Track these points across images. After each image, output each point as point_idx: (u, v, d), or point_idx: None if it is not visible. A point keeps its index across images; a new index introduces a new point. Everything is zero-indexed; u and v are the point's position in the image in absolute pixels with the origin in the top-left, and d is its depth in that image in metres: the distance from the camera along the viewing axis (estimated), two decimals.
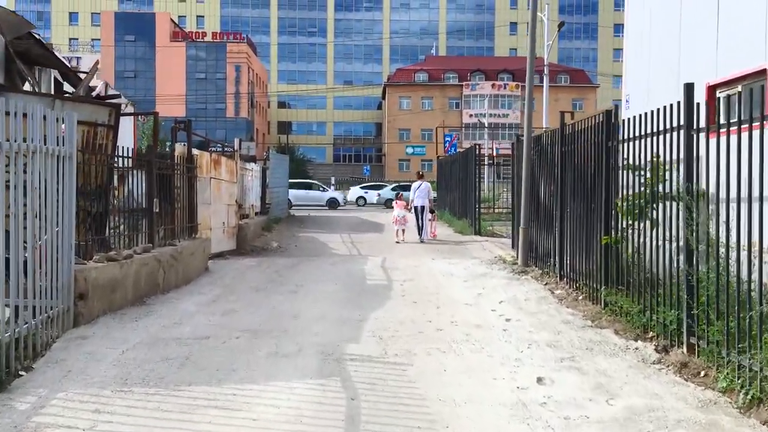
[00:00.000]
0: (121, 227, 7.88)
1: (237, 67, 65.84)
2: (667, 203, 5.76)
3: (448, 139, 30.82)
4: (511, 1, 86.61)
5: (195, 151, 10.26)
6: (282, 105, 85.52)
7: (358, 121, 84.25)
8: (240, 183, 14.01)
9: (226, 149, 13.80)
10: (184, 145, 10.00)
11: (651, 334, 5.92)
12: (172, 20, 68.71)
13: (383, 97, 79.08)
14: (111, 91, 10.70)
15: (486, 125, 63.30)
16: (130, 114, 10.49)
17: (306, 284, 9.08)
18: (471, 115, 69.63)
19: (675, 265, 5.57)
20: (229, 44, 66.02)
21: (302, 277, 9.80)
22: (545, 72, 31.93)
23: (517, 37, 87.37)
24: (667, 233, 5.73)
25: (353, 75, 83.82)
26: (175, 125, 9.91)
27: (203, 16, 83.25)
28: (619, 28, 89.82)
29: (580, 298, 7.76)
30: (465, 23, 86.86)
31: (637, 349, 5.59)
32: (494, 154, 32.24)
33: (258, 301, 7.79)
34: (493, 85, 73.51)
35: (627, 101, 9.49)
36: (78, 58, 76.33)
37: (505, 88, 74.38)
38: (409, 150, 71.65)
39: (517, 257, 11.22)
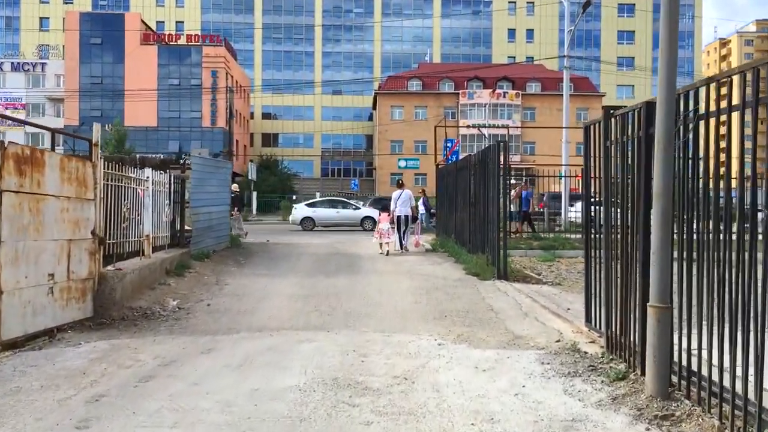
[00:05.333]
0: None
1: (214, 73, 60.08)
2: None
3: (449, 145, 25.12)
4: (509, 7, 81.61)
5: None
6: (267, 116, 79.82)
7: (347, 133, 78.65)
8: (109, 200, 8.27)
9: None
10: None
11: None
12: (143, 21, 63.04)
13: (374, 107, 73.59)
14: None
15: (486, 135, 57.93)
16: None
17: None
18: (468, 126, 64.21)
19: None
20: (205, 47, 60.28)
21: (140, 427, 4.05)
22: (565, 64, 26.54)
23: (515, 45, 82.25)
24: None
25: (342, 84, 78.32)
26: None
27: (183, 22, 77.79)
28: (622, 35, 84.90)
29: None
30: (460, 30, 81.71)
31: None
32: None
33: None
34: (491, 94, 68.18)
35: None
36: (43, 64, 70.85)
37: (504, 96, 69.06)
38: (402, 163, 65.96)
39: (612, 349, 5.52)
